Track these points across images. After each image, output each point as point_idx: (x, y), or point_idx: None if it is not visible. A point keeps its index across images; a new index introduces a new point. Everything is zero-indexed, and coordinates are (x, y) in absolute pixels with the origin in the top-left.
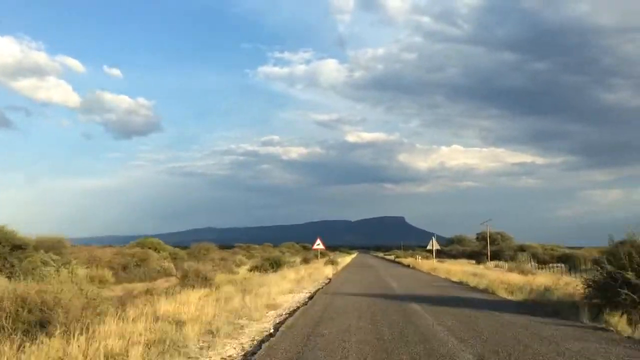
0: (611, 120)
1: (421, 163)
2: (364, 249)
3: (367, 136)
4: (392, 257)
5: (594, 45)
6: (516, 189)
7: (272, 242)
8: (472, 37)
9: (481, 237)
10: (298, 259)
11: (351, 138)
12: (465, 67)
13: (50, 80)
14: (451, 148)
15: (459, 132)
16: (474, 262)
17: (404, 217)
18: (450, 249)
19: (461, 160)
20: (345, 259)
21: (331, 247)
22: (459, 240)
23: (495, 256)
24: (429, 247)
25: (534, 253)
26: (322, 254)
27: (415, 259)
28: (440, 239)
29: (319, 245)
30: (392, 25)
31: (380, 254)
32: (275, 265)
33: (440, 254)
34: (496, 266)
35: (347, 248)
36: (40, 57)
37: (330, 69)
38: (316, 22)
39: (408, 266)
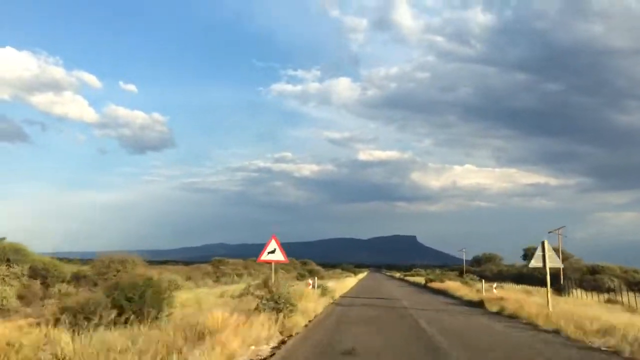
0: (625, 142)
1: (433, 182)
2: (375, 267)
3: (380, 154)
4: (419, 280)
5: (606, 67)
6: (530, 209)
7: None
8: (484, 57)
9: (530, 255)
10: (256, 282)
11: (363, 156)
12: (478, 87)
13: (66, 95)
14: (464, 167)
15: (471, 151)
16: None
17: (416, 236)
18: (483, 269)
19: (474, 180)
20: (346, 284)
21: (331, 265)
22: (488, 259)
23: (554, 280)
24: (533, 265)
25: (614, 276)
26: (312, 274)
27: (489, 288)
28: (457, 260)
29: (273, 252)
30: (406, 45)
31: (397, 274)
32: (139, 301)
33: (462, 274)
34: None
35: (353, 266)
36: (58, 72)
37: (343, 87)
38: (329, 40)
39: (500, 313)
